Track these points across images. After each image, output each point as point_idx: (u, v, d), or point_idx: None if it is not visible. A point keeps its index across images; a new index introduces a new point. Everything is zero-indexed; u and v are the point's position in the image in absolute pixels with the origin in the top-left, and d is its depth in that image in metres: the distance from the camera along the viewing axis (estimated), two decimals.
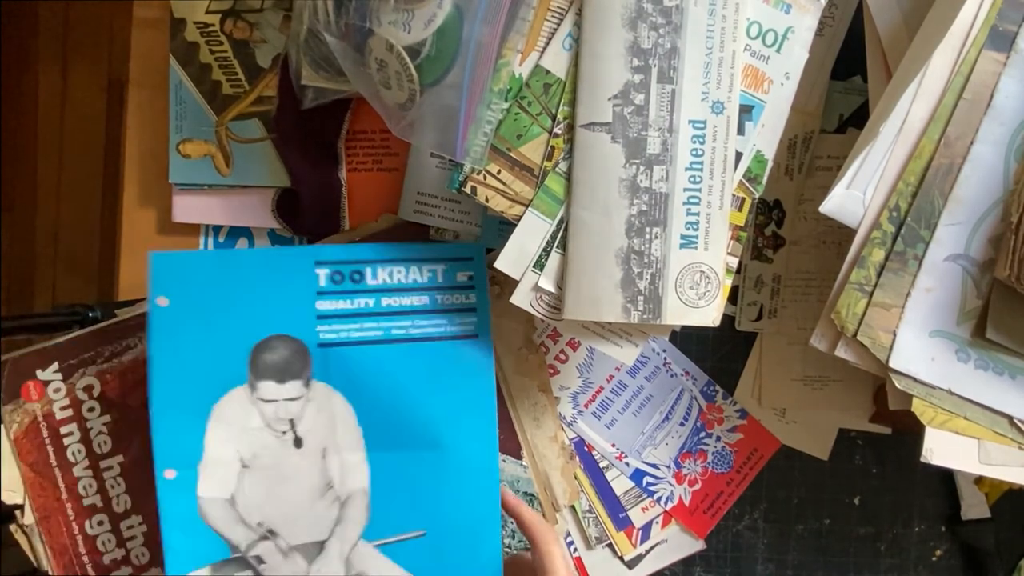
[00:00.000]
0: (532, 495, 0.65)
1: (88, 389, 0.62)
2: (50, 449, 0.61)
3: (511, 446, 0.65)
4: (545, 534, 0.56)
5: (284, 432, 0.57)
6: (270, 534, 0.56)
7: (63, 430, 0.62)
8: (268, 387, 0.56)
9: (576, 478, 0.67)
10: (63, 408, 0.61)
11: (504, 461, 0.65)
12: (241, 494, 0.56)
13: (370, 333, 0.58)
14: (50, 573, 0.61)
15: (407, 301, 0.58)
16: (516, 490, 0.65)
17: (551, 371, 0.67)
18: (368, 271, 0.58)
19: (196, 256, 0.59)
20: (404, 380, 0.58)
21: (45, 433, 0.61)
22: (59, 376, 0.61)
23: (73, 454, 0.62)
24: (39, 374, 0.61)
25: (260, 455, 0.56)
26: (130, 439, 0.62)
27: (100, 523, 0.62)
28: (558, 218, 0.54)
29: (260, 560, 0.56)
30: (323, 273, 0.58)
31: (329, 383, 0.57)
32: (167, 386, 0.55)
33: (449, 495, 0.58)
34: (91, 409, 0.62)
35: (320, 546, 0.57)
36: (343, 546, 0.57)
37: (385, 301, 0.58)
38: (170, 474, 0.55)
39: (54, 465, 0.61)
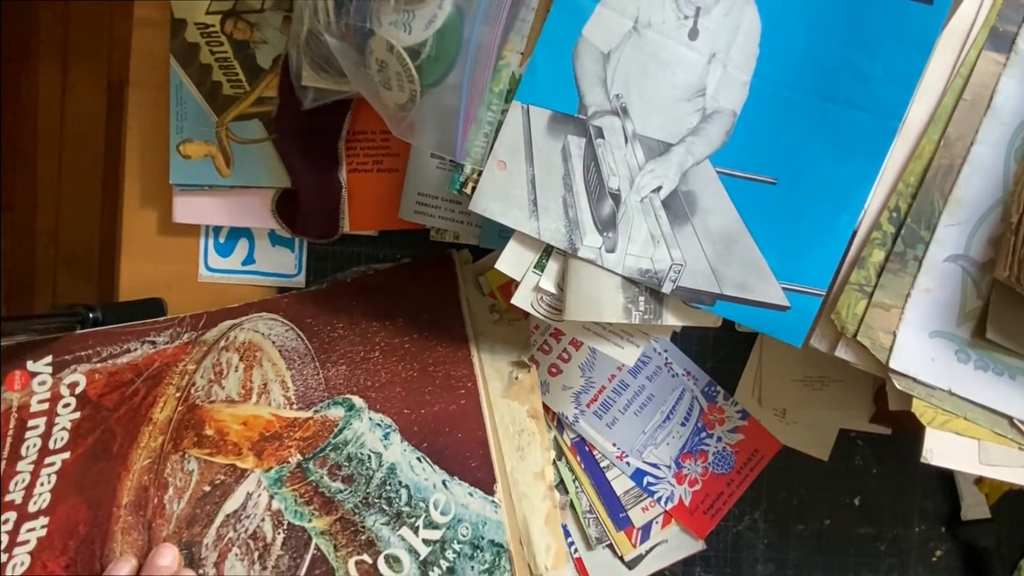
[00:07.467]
0: (500, 545, 0.53)
1: (72, 386, 0.60)
2: (7, 442, 0.58)
3: (482, 475, 0.54)
4: None
5: (687, 17, 0.52)
6: (623, 112, 0.52)
7: (30, 423, 0.59)
8: None
9: (576, 480, 0.67)
10: (40, 402, 0.59)
11: (471, 495, 0.55)
12: (617, 56, 0.52)
13: None
14: None
15: None
16: (479, 536, 0.54)
17: (553, 371, 0.67)
18: None
19: None
20: (826, 21, 0.51)
21: (12, 424, 0.59)
22: (49, 369, 0.60)
23: (27, 448, 0.59)
24: (29, 365, 0.59)
25: (654, 27, 0.52)
26: (85, 438, 0.60)
27: (5, 521, 0.57)
28: None
29: (601, 133, 0.52)
30: None
31: None
32: None
33: (823, 157, 0.52)
34: (66, 405, 0.60)
35: (665, 148, 0.52)
36: (687, 158, 0.52)
37: None
38: None
39: (3, 458, 0.58)
